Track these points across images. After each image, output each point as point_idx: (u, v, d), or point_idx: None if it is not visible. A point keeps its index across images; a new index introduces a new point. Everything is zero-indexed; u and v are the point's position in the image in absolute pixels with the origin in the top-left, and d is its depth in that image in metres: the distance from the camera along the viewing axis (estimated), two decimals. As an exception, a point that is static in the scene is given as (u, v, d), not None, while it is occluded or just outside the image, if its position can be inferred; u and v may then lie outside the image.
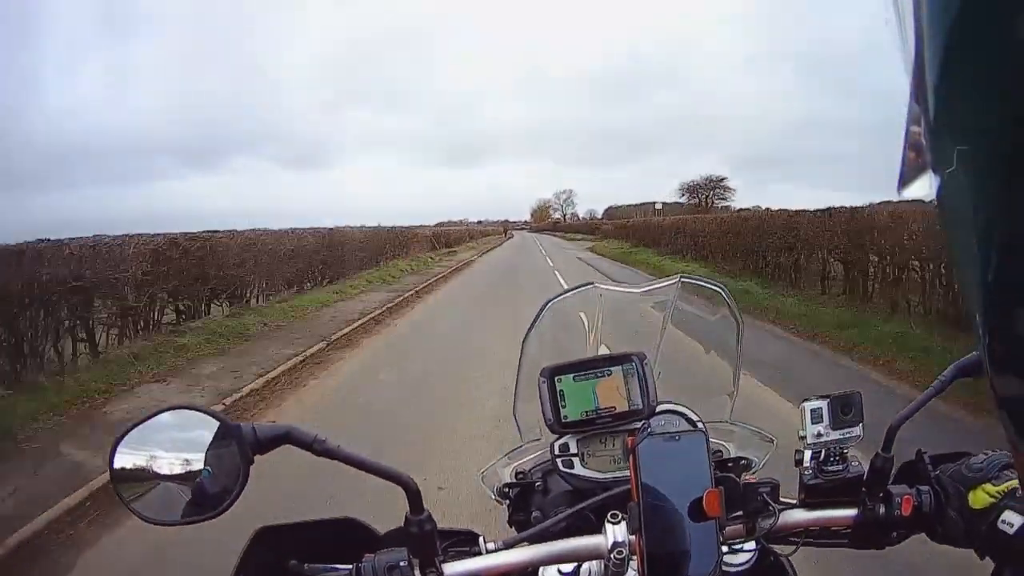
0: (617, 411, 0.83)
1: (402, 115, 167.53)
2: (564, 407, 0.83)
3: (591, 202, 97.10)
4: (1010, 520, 0.66)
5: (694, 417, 0.85)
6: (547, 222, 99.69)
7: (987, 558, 0.69)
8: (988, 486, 0.69)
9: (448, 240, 28.55)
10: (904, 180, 0.24)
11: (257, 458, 0.57)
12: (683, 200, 52.01)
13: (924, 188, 0.22)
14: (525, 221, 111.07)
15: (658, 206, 36.23)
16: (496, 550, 0.67)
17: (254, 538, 0.64)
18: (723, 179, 55.41)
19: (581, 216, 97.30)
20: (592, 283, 0.93)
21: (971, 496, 0.70)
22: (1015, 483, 0.67)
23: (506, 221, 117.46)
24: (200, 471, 0.56)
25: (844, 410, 0.74)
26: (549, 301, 0.91)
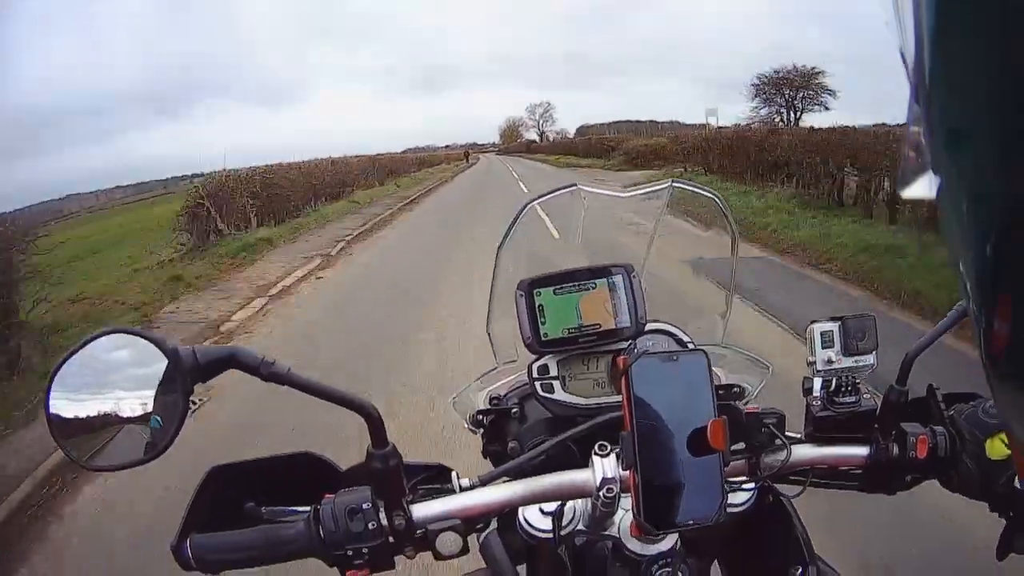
0: (603, 328, 0.76)
1: (370, 48, 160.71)
2: (543, 324, 0.75)
3: (561, 123, 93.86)
4: None
5: (685, 338, 0.82)
6: (518, 143, 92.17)
7: (997, 514, 0.66)
8: (1006, 435, 0.63)
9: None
10: (904, 180, 0.23)
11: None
12: (752, 107, 33.70)
13: (924, 188, 0.22)
14: (494, 143, 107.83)
15: (712, 120, 26.12)
16: (470, 487, 0.62)
17: (207, 478, 0.59)
18: (817, 72, 32.31)
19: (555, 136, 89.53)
20: (575, 184, 0.85)
21: (988, 445, 0.64)
22: None
23: (472, 144, 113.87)
24: (141, 406, 0.51)
25: (857, 335, 0.69)
26: (528, 203, 0.83)
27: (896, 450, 0.67)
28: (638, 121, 64.36)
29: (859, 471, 0.70)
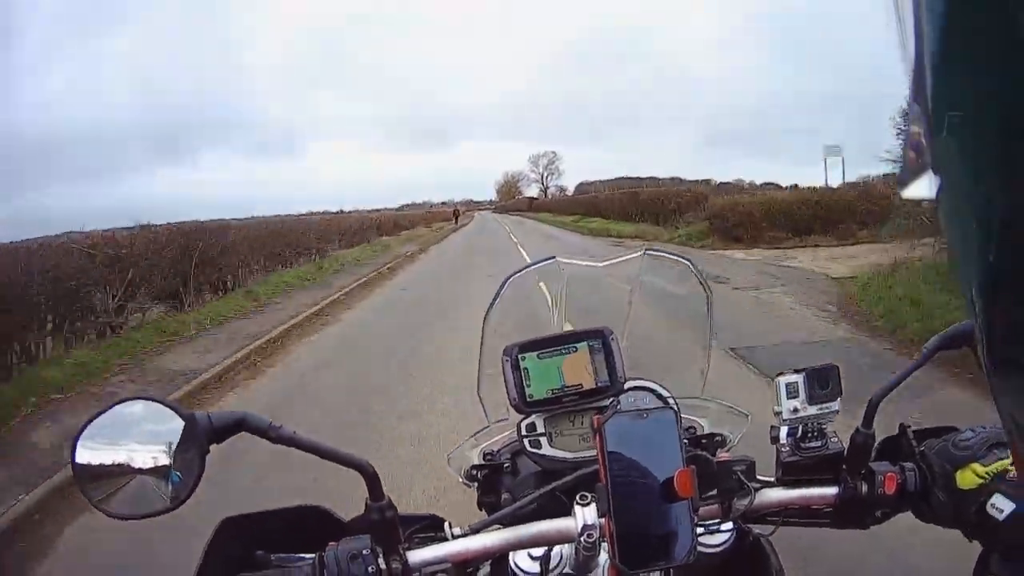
0: (584, 388, 0.82)
1: (366, 101, 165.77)
2: (529, 386, 0.81)
3: (559, 180, 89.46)
4: (1000, 505, 0.65)
5: (665, 393, 0.86)
6: (518, 199, 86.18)
7: (975, 541, 0.68)
8: (977, 466, 0.68)
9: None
10: (904, 180, 0.24)
11: None
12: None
13: (924, 188, 0.22)
14: (490, 200, 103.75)
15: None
16: (463, 535, 0.67)
17: (219, 529, 0.65)
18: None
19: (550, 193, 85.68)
20: (554, 257, 0.93)
21: (959, 476, 0.68)
22: (1006, 463, 0.66)
23: (468, 202, 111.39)
24: (159, 464, 0.58)
25: (821, 384, 0.73)
26: (510, 276, 0.91)
27: (865, 488, 0.71)
28: (639, 178, 61.92)
29: (830, 509, 0.74)
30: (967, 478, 0.68)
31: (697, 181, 36.57)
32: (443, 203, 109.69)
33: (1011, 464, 0.66)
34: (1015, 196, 0.19)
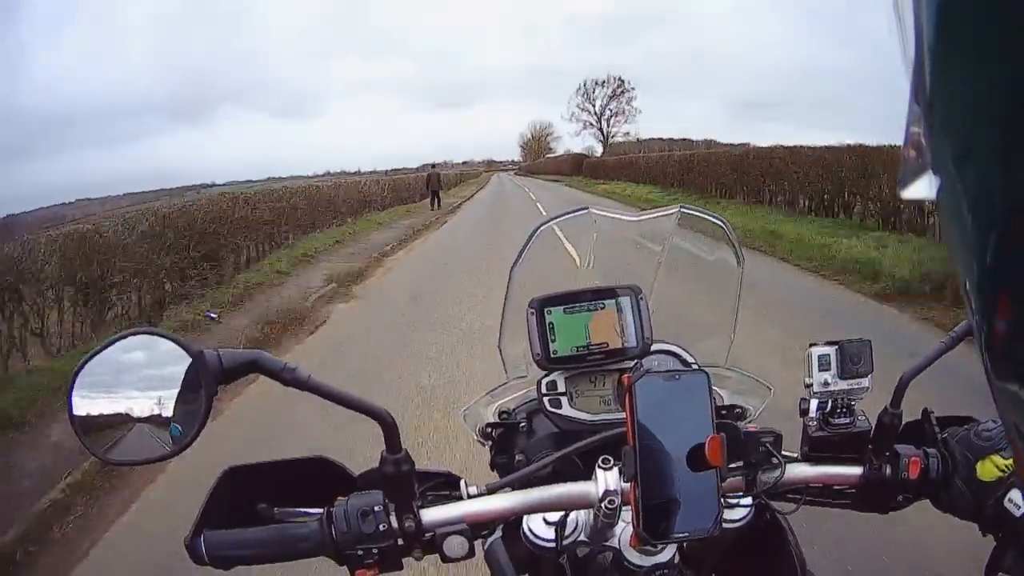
0: (610, 348, 0.81)
1: (389, 60, 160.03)
2: (553, 341, 0.80)
3: (563, 145, 78.86)
4: (1017, 501, 0.65)
5: (689, 359, 0.86)
6: (548, 159, 68.62)
7: (988, 535, 0.69)
8: (997, 458, 0.68)
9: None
10: (904, 180, 0.24)
11: None
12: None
13: (924, 188, 0.23)
14: (513, 161, 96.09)
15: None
16: (478, 495, 0.65)
17: (222, 478, 0.63)
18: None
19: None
20: (587, 208, 0.91)
21: (979, 466, 0.68)
22: None
23: (488, 161, 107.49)
24: (163, 407, 0.56)
25: (853, 359, 0.71)
26: (540, 225, 0.90)
27: (889, 470, 0.71)
28: (671, 139, 57.23)
29: (853, 490, 0.74)
30: (987, 469, 0.68)
31: (731, 144, 31.81)
32: (464, 163, 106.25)
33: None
34: (1015, 196, 0.19)
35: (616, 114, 61.53)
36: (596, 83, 61.31)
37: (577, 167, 43.75)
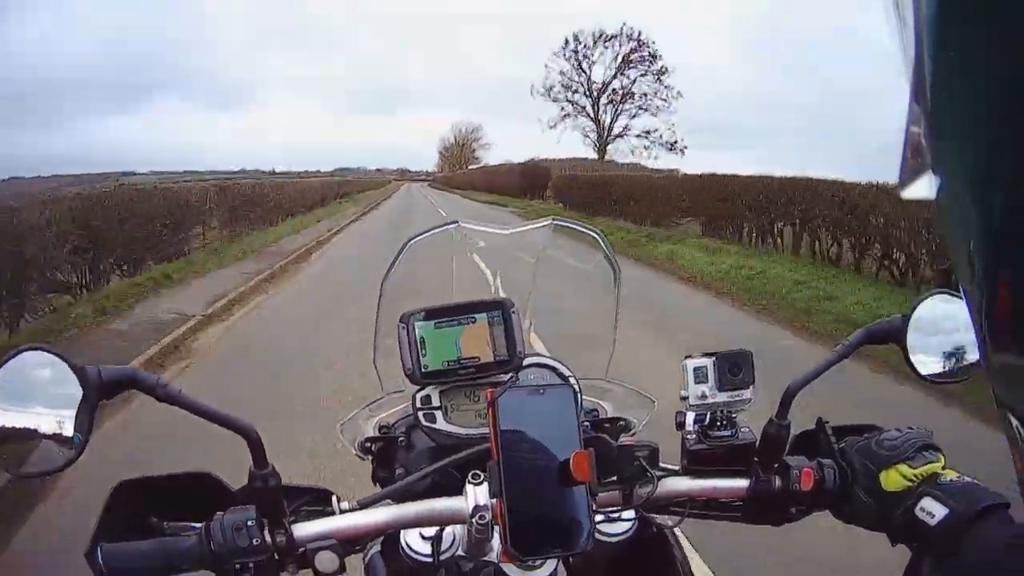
0: (481, 362, 0.82)
1: (318, 59, 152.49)
2: (424, 355, 0.81)
3: (498, 156, 68.55)
4: (931, 509, 0.64)
5: (566, 372, 0.87)
6: (474, 170, 54.37)
7: (899, 545, 0.69)
8: (904, 467, 0.67)
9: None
10: (904, 180, 0.24)
11: None
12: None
13: (924, 188, 0.23)
14: (427, 172, 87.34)
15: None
16: (350, 510, 0.67)
17: (114, 492, 0.65)
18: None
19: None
20: (457, 222, 0.92)
21: (883, 476, 0.68)
22: (936, 466, 0.67)
23: (402, 171, 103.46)
24: (46, 419, 0.59)
25: (732, 370, 0.72)
26: (410, 240, 0.91)
27: (779, 483, 0.71)
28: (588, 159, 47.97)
29: (740, 503, 0.74)
30: (893, 479, 0.67)
31: (660, 171, 28.70)
32: (378, 170, 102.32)
33: (943, 467, 0.67)
34: (1015, 196, 0.19)
35: (627, 97, 33.22)
36: (598, 38, 33.40)
37: (535, 184, 28.10)
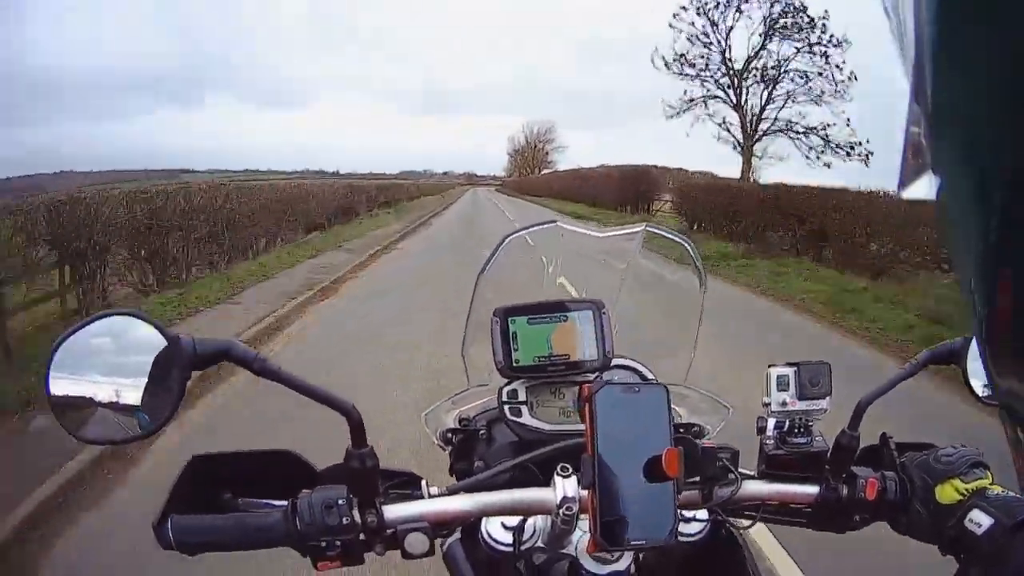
0: (571, 359, 0.83)
1: (380, 60, 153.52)
2: (516, 350, 0.83)
3: (569, 162, 66.88)
4: (978, 520, 0.68)
5: (649, 375, 0.90)
6: (548, 174, 51.23)
7: (949, 556, 0.72)
8: (957, 482, 0.71)
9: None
10: (904, 180, 0.24)
11: None
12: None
13: (924, 188, 0.23)
14: (494, 176, 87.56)
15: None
16: (439, 495, 0.69)
17: (187, 466, 0.65)
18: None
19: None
20: (555, 221, 0.96)
21: (939, 490, 0.71)
22: (985, 482, 0.71)
23: (469, 175, 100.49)
24: (139, 388, 0.58)
25: (812, 380, 0.75)
26: (507, 236, 0.93)
27: (846, 491, 0.74)
28: (664, 168, 40.42)
29: (809, 509, 0.76)
30: (947, 493, 0.71)
31: (728, 179, 22.41)
32: (444, 173, 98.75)
33: (991, 483, 0.71)
34: (1015, 196, 0.19)
35: (779, 76, 23.52)
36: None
37: (638, 194, 22.87)
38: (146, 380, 0.57)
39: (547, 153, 62.76)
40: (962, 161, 0.21)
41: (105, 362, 0.57)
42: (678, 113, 23.68)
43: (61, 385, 0.57)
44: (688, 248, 0.93)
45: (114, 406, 0.57)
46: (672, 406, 0.76)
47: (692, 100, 23.48)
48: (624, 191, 23.40)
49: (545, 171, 56.83)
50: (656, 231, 0.95)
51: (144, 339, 0.57)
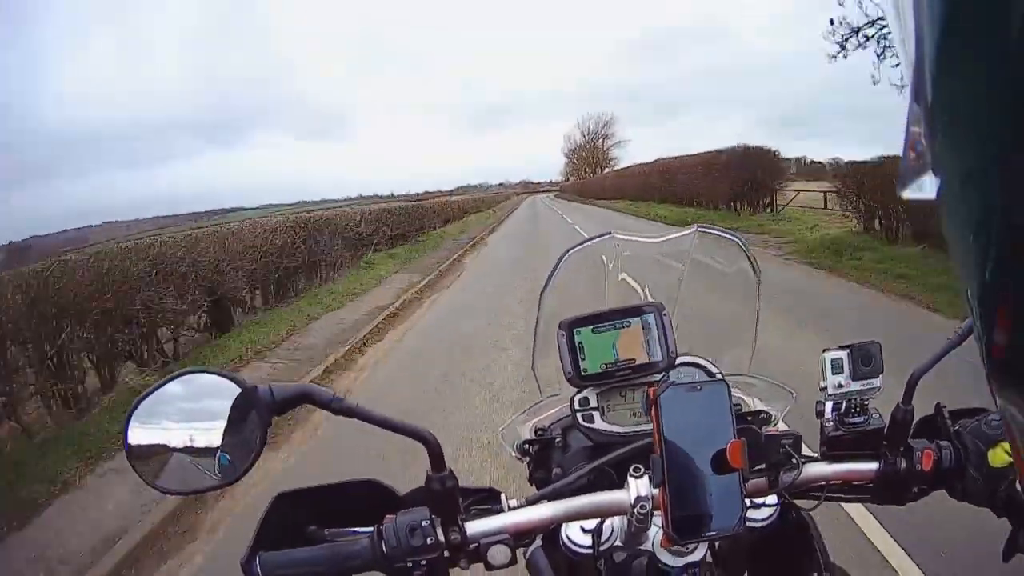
0: (637, 363, 0.86)
1: (421, 82, 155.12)
2: (583, 360, 0.86)
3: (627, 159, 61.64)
4: None
5: (713, 369, 0.92)
6: (604, 173, 45.49)
7: (1004, 519, 0.73)
8: (1007, 444, 0.71)
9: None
10: (904, 180, 0.25)
11: None
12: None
13: (924, 188, 0.23)
14: (551, 181, 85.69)
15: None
16: (518, 507, 0.70)
17: (273, 503, 0.67)
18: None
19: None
20: (610, 233, 0.98)
21: (990, 454, 0.72)
22: None
23: (525, 183, 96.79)
24: (218, 437, 0.60)
25: (864, 360, 0.76)
26: (567, 252, 0.96)
27: (904, 464, 0.75)
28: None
29: (870, 484, 0.78)
30: (998, 456, 0.71)
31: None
32: (500, 184, 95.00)
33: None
34: (1015, 196, 0.19)
35: (602, 141, 26.21)
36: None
37: (750, 180, 17.29)
38: (222, 430, 0.59)
39: (607, 150, 56.56)
40: (962, 161, 0.21)
41: (183, 410, 0.59)
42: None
43: (138, 436, 0.58)
44: (741, 244, 0.96)
45: (192, 451, 0.59)
46: (738, 396, 0.89)
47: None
48: (730, 184, 17.45)
49: (607, 169, 50.15)
50: (708, 231, 0.98)
51: (219, 392, 0.58)
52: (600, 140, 56.78)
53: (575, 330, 0.85)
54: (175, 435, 0.58)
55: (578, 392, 0.86)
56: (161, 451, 0.58)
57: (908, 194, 0.24)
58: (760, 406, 0.92)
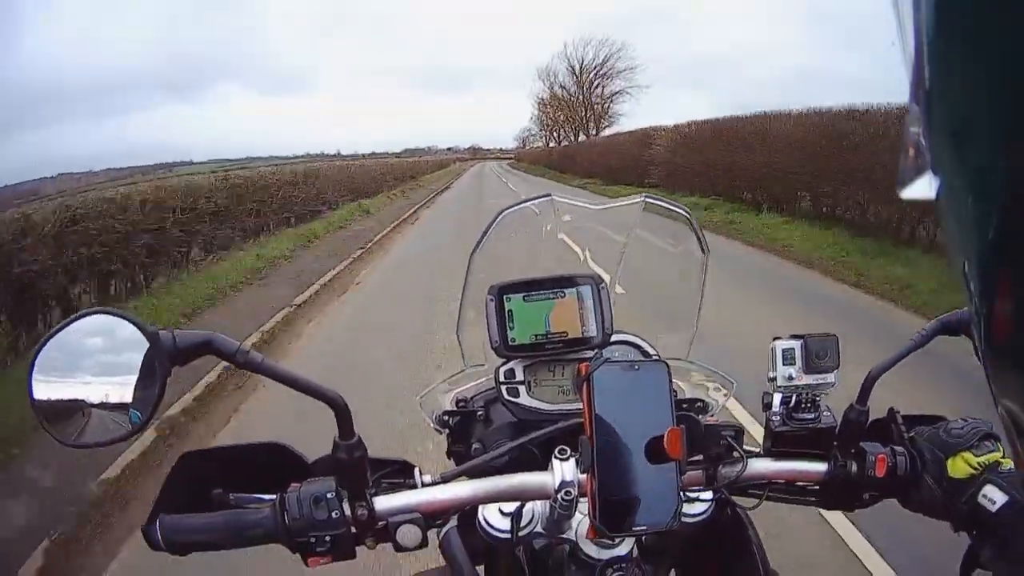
0: (569, 337, 0.81)
1: (382, 42, 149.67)
2: (512, 329, 0.81)
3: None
4: (992, 496, 0.67)
5: (651, 351, 0.88)
6: (600, 138, 32.95)
7: (961, 533, 0.71)
8: (969, 455, 0.69)
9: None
10: (904, 180, 0.25)
11: None
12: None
13: (924, 188, 0.23)
14: (501, 149, 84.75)
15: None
16: (432, 483, 0.67)
17: (178, 464, 0.64)
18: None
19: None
20: (549, 195, 0.91)
21: (950, 464, 0.70)
22: (997, 455, 0.69)
23: (473, 148, 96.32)
24: (130, 392, 0.56)
25: (819, 353, 0.72)
26: (502, 211, 0.89)
27: (855, 468, 0.72)
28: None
29: (817, 487, 0.76)
30: (959, 467, 0.70)
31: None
32: (448, 148, 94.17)
33: (1003, 456, 0.69)
34: (1015, 196, 0.19)
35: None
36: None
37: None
38: (130, 378, 0.56)
39: (609, 99, 38.34)
40: (962, 161, 0.21)
41: (92, 363, 0.56)
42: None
43: (45, 390, 0.55)
44: (689, 218, 0.91)
45: (106, 406, 0.56)
46: (676, 381, 0.82)
47: None
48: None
49: (606, 132, 35.75)
50: (655, 202, 0.91)
51: (125, 337, 0.55)
52: (598, 81, 40.27)
53: (505, 296, 0.81)
54: (78, 385, 0.55)
55: (504, 363, 0.83)
56: (73, 406, 0.56)
57: (907, 193, 0.24)
58: (696, 394, 0.88)
